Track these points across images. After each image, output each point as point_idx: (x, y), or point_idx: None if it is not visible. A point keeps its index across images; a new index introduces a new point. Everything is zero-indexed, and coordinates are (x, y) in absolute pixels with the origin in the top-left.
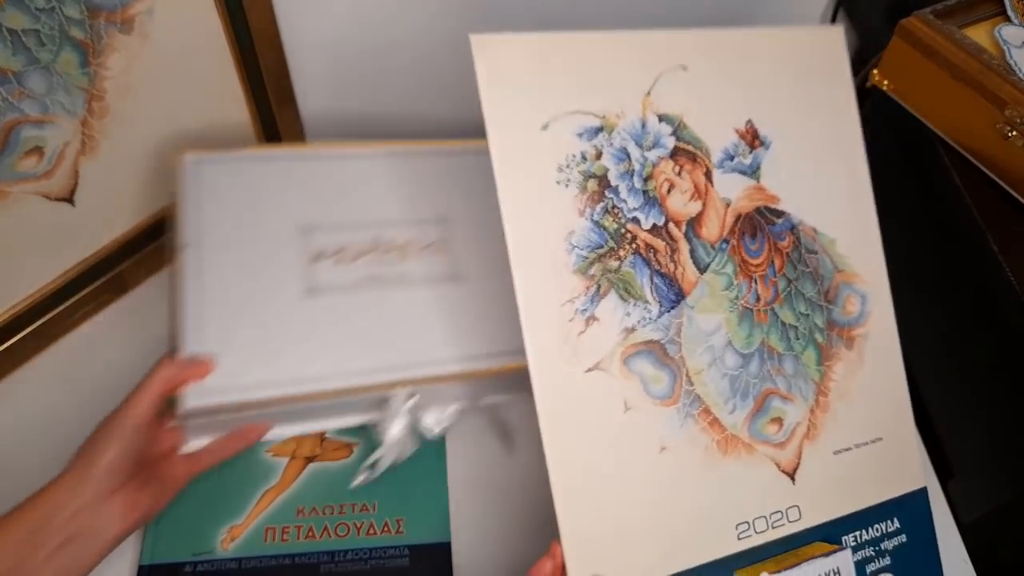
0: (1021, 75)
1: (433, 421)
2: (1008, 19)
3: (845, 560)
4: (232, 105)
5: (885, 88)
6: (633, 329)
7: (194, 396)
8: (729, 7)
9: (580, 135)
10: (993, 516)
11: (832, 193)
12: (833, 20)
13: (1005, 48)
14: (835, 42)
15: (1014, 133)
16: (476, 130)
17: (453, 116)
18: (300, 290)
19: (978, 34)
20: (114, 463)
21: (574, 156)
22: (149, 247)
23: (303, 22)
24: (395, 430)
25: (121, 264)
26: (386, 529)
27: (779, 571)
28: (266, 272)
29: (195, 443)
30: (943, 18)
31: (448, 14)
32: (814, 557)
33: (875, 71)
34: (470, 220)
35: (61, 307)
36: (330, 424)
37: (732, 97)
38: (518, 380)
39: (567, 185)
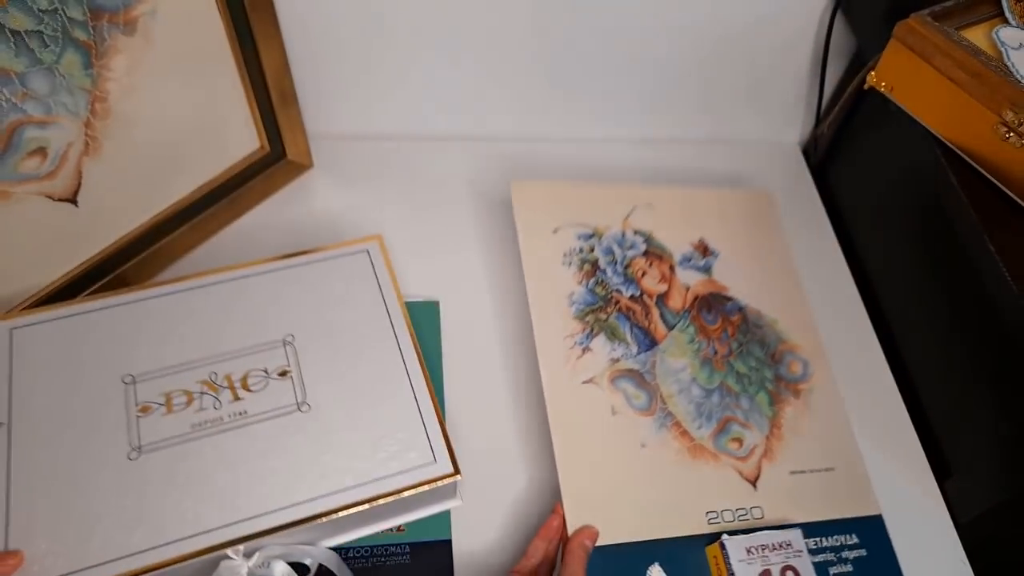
0: (1019, 76)
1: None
2: (1006, 21)
3: (796, 536)
4: (235, 106)
5: (883, 89)
6: (618, 360)
7: None
8: (728, 14)
9: (579, 237)
10: (990, 516)
11: (771, 290)
12: (831, 22)
13: (1003, 50)
14: (766, 202)
15: (1012, 135)
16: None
17: (449, 115)
18: (123, 453)
19: (976, 36)
20: None
21: (575, 249)
22: (152, 247)
23: (305, 24)
24: None
25: (124, 264)
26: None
27: (733, 533)
28: (84, 438)
29: None
30: (941, 20)
31: (447, 11)
32: (768, 528)
33: (872, 73)
34: (316, 335)
35: None
36: None
37: (687, 225)
38: (373, 515)
39: (569, 265)
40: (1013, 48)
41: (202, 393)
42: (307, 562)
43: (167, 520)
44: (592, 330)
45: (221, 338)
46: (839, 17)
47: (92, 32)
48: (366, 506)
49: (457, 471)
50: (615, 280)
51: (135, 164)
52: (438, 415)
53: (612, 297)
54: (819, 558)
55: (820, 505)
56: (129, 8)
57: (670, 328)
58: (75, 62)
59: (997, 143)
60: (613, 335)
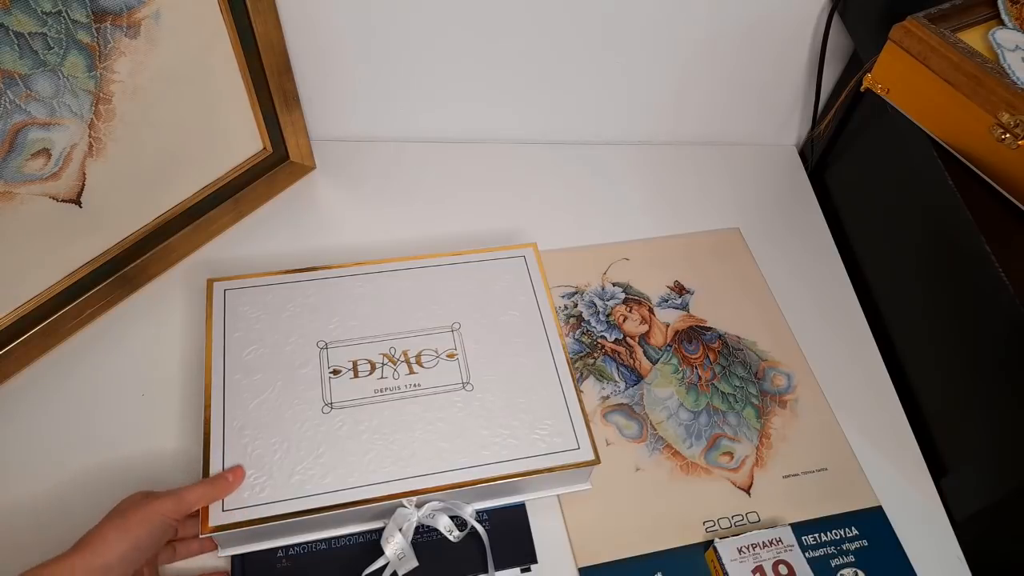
0: (1015, 78)
1: (445, 527)
2: (1002, 23)
3: (786, 533)
4: (238, 108)
5: (879, 91)
6: (608, 397)
7: (218, 515)
8: (726, 17)
9: (563, 296)
10: (986, 513)
11: (747, 316)
12: (828, 24)
13: (999, 52)
14: (734, 237)
15: (1007, 136)
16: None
17: (450, 118)
18: (317, 407)
19: (972, 38)
20: (130, 555)
21: (559, 307)
22: (156, 248)
23: (308, 27)
24: (395, 543)
25: (128, 265)
26: None
27: (726, 537)
28: (287, 390)
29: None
30: (937, 22)
31: (448, 15)
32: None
33: (869, 75)
34: (479, 326)
35: (69, 307)
36: (341, 532)
37: (662, 270)
38: (518, 487)
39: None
40: (1009, 50)
41: (383, 364)
42: (465, 518)
43: (353, 468)
44: (583, 373)
45: (399, 319)
46: (836, 19)
47: (96, 34)
48: (519, 478)
49: (598, 459)
50: (599, 328)
51: (139, 165)
52: (582, 409)
53: (598, 343)
54: (819, 552)
55: (816, 503)
56: (132, 11)
57: (654, 362)
58: (79, 64)
59: (993, 144)
60: (602, 375)
